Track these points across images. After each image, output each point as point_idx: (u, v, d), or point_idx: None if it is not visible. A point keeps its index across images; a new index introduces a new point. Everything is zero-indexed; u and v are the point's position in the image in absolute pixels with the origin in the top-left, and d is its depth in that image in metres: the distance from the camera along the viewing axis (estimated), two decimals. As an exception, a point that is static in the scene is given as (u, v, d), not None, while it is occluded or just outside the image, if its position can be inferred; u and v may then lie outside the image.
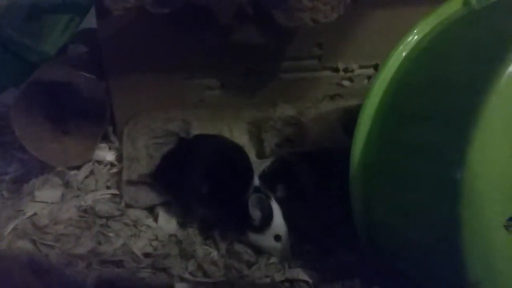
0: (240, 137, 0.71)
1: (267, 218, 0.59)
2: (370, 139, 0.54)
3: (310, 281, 0.57)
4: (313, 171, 0.69)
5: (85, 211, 0.62)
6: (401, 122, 0.52)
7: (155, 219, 0.64)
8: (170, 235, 0.62)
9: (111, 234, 0.59)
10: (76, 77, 0.68)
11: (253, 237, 0.60)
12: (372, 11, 0.70)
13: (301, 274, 0.57)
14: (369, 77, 0.75)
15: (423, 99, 0.50)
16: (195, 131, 0.70)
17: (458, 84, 0.46)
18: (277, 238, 0.59)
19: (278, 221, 0.60)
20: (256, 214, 0.58)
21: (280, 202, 0.61)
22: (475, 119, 0.42)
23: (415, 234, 0.49)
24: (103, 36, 0.67)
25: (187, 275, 0.56)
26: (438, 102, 0.48)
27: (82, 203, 0.63)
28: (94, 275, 0.48)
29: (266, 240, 0.59)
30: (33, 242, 0.57)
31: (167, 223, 0.64)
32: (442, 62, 0.50)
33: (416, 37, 0.54)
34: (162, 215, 0.65)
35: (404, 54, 0.54)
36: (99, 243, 0.58)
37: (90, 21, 0.71)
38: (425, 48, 0.52)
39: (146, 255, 0.57)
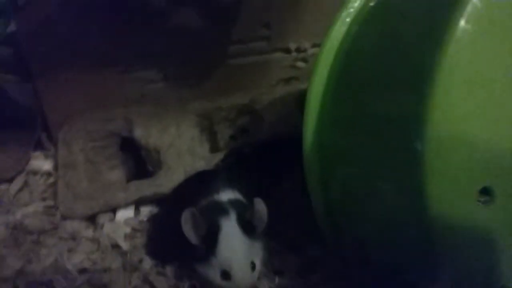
0: (189, 131, 0.65)
1: (208, 242, 0.45)
2: (322, 118, 0.49)
3: (273, 285, 0.51)
4: (271, 161, 0.64)
5: (14, 227, 0.55)
6: (354, 93, 0.46)
7: (96, 230, 0.57)
8: (114, 246, 0.55)
9: (42, 251, 0.52)
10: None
11: (198, 266, 0.46)
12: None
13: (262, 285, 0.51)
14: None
15: (375, 64, 0.44)
16: (138, 129, 0.64)
17: (412, 40, 0.41)
18: (225, 275, 0.45)
19: (232, 251, 0.45)
20: (192, 235, 0.46)
21: (249, 229, 0.47)
22: (434, 77, 0.37)
23: (378, 216, 0.43)
24: (23, 31, 0.60)
25: (130, 290, 0.49)
26: (392, 64, 0.42)
27: (11, 218, 0.56)
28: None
29: (210, 273, 0.45)
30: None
31: (113, 232, 0.58)
32: (394, 19, 0.44)
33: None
34: (108, 224, 0.59)
35: (348, 19, 0.48)
36: (29, 262, 0.51)
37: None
38: (374, 8, 0.47)
39: (82, 271, 0.50)
